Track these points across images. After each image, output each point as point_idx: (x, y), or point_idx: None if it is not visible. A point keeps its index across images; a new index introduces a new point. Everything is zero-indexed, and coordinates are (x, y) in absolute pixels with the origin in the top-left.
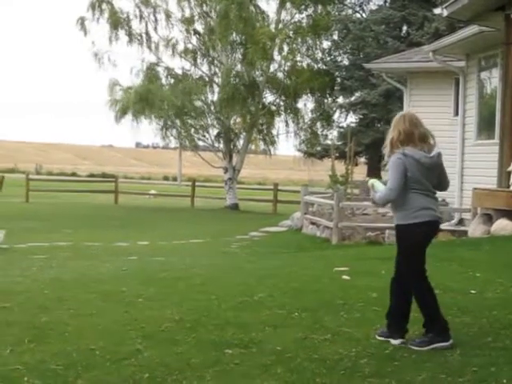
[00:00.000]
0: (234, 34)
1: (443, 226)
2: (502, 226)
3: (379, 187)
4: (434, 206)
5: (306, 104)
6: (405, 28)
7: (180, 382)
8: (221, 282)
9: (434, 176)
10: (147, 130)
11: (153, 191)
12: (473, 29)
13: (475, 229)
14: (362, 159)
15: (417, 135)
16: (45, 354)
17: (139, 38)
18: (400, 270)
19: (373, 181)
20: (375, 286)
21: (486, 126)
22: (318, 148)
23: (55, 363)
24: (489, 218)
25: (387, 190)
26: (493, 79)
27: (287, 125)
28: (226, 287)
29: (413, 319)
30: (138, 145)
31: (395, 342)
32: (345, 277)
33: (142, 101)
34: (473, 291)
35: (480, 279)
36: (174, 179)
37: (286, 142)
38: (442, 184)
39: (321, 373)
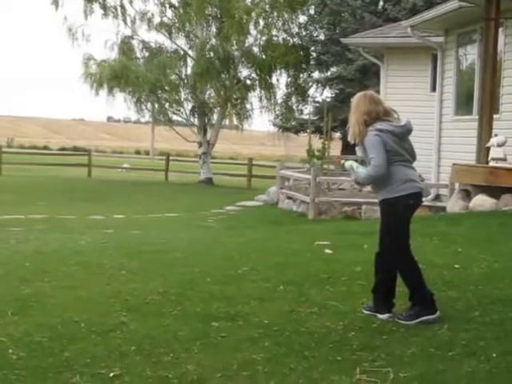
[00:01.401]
0: (210, 8)
1: None
2: (480, 201)
3: (359, 168)
4: (416, 177)
5: (281, 79)
6: (381, 3)
7: (167, 355)
8: (203, 255)
9: (408, 145)
10: (120, 105)
11: (126, 165)
12: (452, 4)
13: (454, 204)
14: (337, 134)
15: (381, 112)
16: (29, 326)
17: (114, 11)
18: (384, 244)
19: (350, 163)
20: (359, 260)
21: (463, 102)
22: (293, 123)
23: (40, 335)
24: (467, 194)
25: (373, 167)
26: (471, 55)
27: (261, 100)
28: (209, 261)
29: (398, 293)
30: (109, 119)
31: (382, 316)
32: (327, 251)
33: (117, 77)
34: (457, 266)
35: (463, 254)
36: (147, 153)
37: (260, 117)
38: (411, 153)
39: (309, 346)
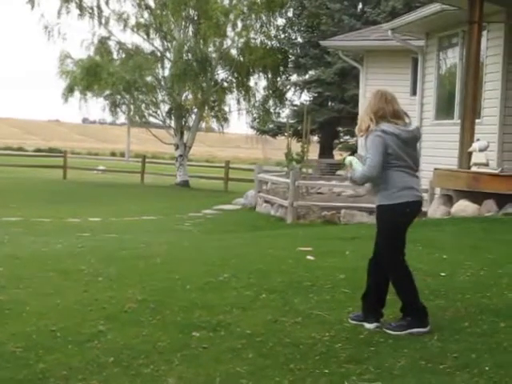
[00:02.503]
0: (187, 9)
1: None
2: (462, 207)
3: (358, 165)
4: (417, 185)
5: (259, 82)
6: (360, 6)
7: (147, 367)
8: (182, 261)
9: (414, 151)
10: (95, 106)
11: (101, 167)
12: (434, 7)
13: (436, 210)
14: (315, 138)
15: (390, 112)
16: (2, 335)
17: (90, 11)
18: (379, 251)
19: (350, 159)
20: (342, 266)
21: (445, 106)
22: (271, 126)
23: (14, 345)
24: (449, 199)
25: (367, 167)
26: (452, 59)
27: (239, 102)
28: (189, 267)
29: (387, 301)
30: (84, 120)
31: (370, 325)
32: (309, 257)
33: (89, 75)
34: (443, 273)
35: (448, 261)
36: (122, 155)
37: (237, 120)
38: (415, 161)
39: (294, 358)
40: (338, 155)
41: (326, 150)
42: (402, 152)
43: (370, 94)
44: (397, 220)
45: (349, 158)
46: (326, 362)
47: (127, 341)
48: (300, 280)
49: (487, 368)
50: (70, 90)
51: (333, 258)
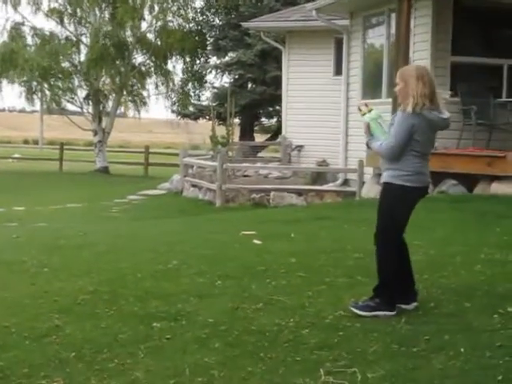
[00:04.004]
0: None
1: (328, 187)
2: None
3: (377, 132)
4: (427, 171)
5: (177, 65)
6: None
7: (111, 361)
8: (126, 249)
9: (434, 138)
10: (7, 93)
11: (17, 155)
12: None
13: (369, 189)
14: (236, 120)
15: (435, 92)
16: None
17: None
18: (376, 227)
19: (372, 116)
20: (291, 250)
21: (371, 85)
22: (192, 109)
23: None
24: None
25: (386, 146)
26: (378, 38)
27: (158, 86)
28: (134, 255)
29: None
30: None
31: (391, 312)
32: (256, 241)
33: (4, 61)
34: None
35: None
36: (35, 143)
37: (156, 104)
38: (433, 146)
39: (263, 346)
40: (257, 138)
41: (246, 133)
42: (427, 139)
43: (416, 70)
44: (399, 201)
45: (370, 116)
46: (295, 349)
47: (86, 334)
48: (252, 265)
49: (462, 350)
50: None
51: (279, 241)
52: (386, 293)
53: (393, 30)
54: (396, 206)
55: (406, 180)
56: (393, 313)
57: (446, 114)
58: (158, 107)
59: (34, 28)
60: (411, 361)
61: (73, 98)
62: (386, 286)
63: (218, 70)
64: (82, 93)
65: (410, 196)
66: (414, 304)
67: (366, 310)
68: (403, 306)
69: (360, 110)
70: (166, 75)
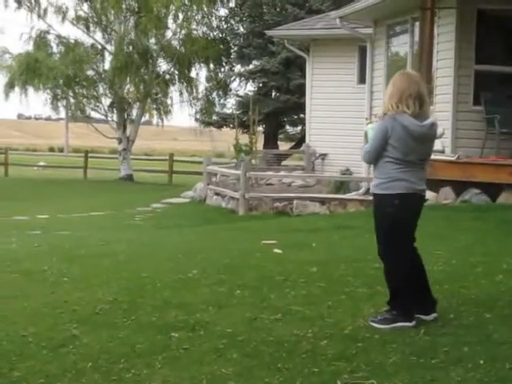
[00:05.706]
0: (128, 2)
1: (351, 196)
2: None
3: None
4: (413, 177)
5: (201, 73)
6: None
7: (128, 371)
8: (146, 258)
9: (424, 147)
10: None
11: (42, 163)
12: None
13: None
14: (260, 128)
15: (413, 93)
16: None
17: (28, 4)
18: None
19: (370, 127)
20: (311, 259)
21: None
22: (216, 117)
23: None
24: None
25: (366, 150)
26: (402, 46)
27: (182, 94)
28: (154, 264)
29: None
30: (20, 116)
31: (411, 323)
32: (276, 250)
33: (28, 70)
34: None
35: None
36: (60, 150)
37: (180, 113)
38: (424, 154)
39: (280, 357)
40: (282, 146)
41: (270, 141)
42: (405, 146)
43: (396, 76)
44: (385, 210)
45: (372, 125)
46: (313, 359)
47: (103, 344)
48: (272, 275)
49: (482, 362)
50: (10, 85)
51: (300, 250)
52: (402, 304)
53: (416, 39)
54: (381, 216)
55: (384, 188)
56: (411, 323)
57: (427, 121)
58: (182, 115)
59: (58, 36)
60: (429, 372)
61: (97, 106)
62: (399, 296)
63: (242, 78)
64: (106, 101)
65: (390, 204)
66: (434, 315)
67: (385, 323)
68: (422, 317)
69: (366, 119)
70: (190, 83)
